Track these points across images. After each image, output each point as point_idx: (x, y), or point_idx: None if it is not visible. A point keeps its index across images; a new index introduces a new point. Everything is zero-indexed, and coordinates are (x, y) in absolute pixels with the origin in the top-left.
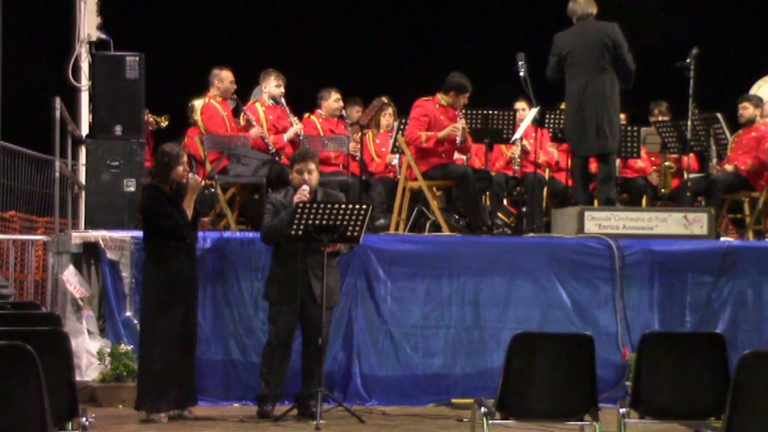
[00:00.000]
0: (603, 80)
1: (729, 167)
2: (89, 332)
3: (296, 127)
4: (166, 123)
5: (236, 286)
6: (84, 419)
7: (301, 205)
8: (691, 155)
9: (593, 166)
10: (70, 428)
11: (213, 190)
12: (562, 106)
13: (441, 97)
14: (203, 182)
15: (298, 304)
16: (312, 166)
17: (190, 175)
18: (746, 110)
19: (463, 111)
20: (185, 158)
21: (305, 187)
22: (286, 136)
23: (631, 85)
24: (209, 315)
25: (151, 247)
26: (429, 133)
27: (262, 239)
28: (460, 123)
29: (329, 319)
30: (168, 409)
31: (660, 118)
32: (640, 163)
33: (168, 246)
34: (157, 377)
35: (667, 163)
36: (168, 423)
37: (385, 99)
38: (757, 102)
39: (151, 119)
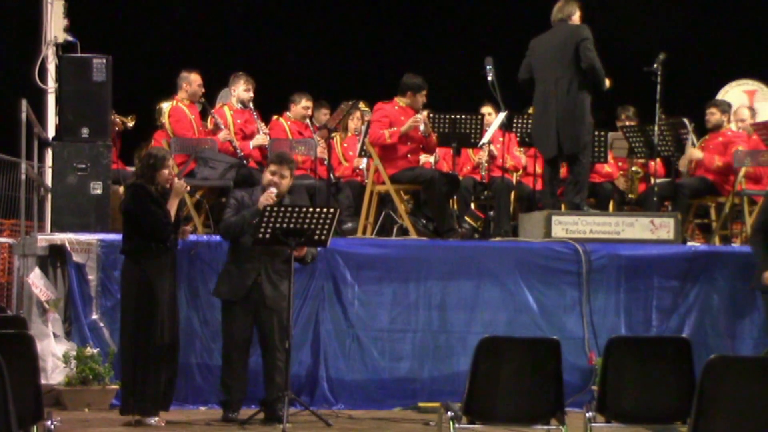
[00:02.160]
0: (568, 82)
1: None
2: (55, 335)
3: (263, 137)
4: (133, 123)
5: (203, 289)
6: (49, 422)
7: (268, 208)
8: (658, 160)
9: (563, 171)
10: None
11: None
12: (531, 111)
13: (399, 100)
14: (188, 187)
15: (252, 305)
16: (286, 172)
17: (175, 179)
18: (713, 116)
19: (423, 112)
20: (171, 162)
21: (273, 190)
22: (252, 143)
23: (603, 86)
24: None
25: (131, 248)
26: (392, 129)
27: (221, 234)
28: (422, 114)
29: (284, 323)
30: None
31: (627, 123)
32: (607, 168)
33: (148, 248)
34: (140, 380)
35: (634, 168)
36: (133, 428)
37: (362, 105)
38: (725, 107)
39: (118, 119)
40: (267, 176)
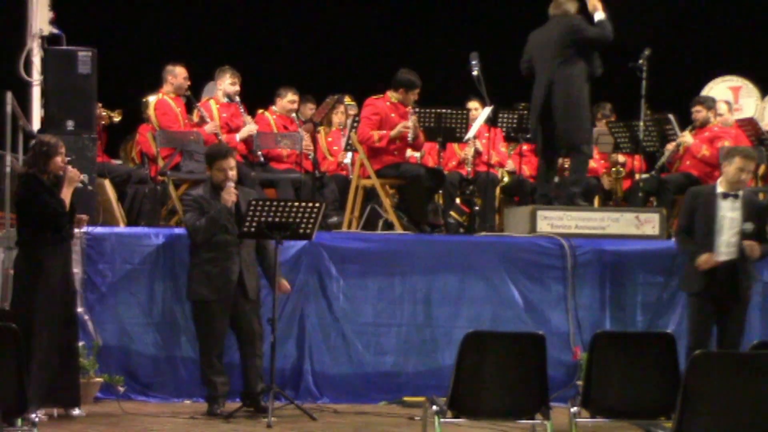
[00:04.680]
0: (565, 75)
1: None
2: None
3: (250, 127)
4: (119, 117)
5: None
6: (33, 415)
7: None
8: (640, 156)
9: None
10: (19, 424)
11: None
12: (522, 106)
13: (391, 95)
14: (82, 176)
15: (230, 300)
16: (233, 162)
17: (69, 167)
18: (699, 113)
19: (415, 108)
20: (64, 149)
21: (231, 184)
22: (238, 136)
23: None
24: (161, 311)
25: (25, 239)
26: (381, 132)
27: (194, 238)
28: (411, 120)
29: (260, 313)
30: (43, 406)
31: (604, 121)
32: (592, 164)
33: (44, 239)
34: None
35: (614, 169)
36: (108, 419)
37: (348, 99)
38: (710, 104)
39: (104, 113)
40: (217, 174)
